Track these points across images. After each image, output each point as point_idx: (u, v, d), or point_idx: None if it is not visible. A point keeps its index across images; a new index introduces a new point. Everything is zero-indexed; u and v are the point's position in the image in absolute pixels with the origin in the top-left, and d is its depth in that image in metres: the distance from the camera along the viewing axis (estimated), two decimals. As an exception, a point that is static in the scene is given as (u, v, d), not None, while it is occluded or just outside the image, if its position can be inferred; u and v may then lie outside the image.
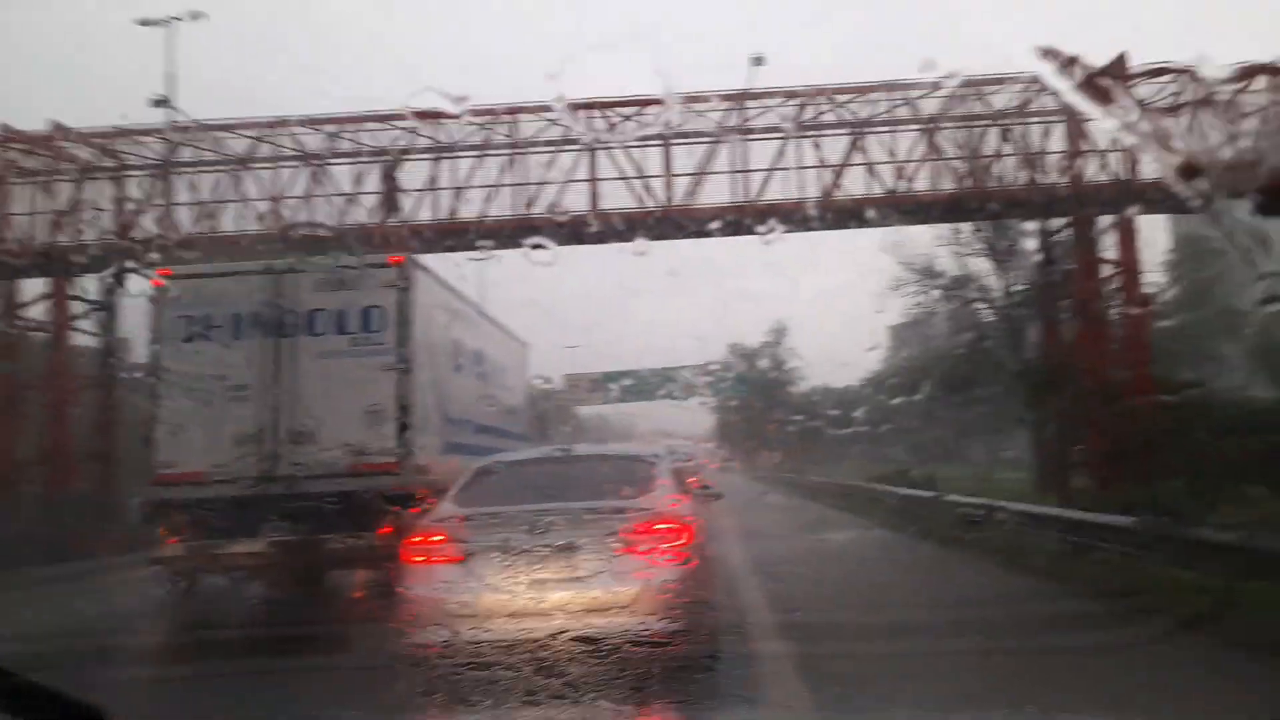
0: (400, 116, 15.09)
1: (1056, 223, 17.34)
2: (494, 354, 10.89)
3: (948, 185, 16.78)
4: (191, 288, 7.80)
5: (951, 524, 11.89)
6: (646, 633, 4.48)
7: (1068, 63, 12.28)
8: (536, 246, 12.72)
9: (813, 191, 16.82)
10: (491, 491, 5.53)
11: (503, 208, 16.14)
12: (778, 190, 16.99)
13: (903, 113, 16.09)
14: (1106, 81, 13.42)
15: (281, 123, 15.60)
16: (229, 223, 15.86)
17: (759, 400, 65.97)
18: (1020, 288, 20.84)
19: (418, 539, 5.07)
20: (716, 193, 16.30)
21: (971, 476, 25.19)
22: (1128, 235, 16.03)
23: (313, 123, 15.58)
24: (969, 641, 5.61)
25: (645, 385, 47.68)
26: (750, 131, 16.66)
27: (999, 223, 19.92)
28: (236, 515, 7.19)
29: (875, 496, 18.22)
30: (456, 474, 5.92)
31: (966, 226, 21.13)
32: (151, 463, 7.53)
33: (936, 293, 23.52)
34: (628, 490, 5.20)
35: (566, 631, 4.42)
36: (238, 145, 16.03)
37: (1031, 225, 18.63)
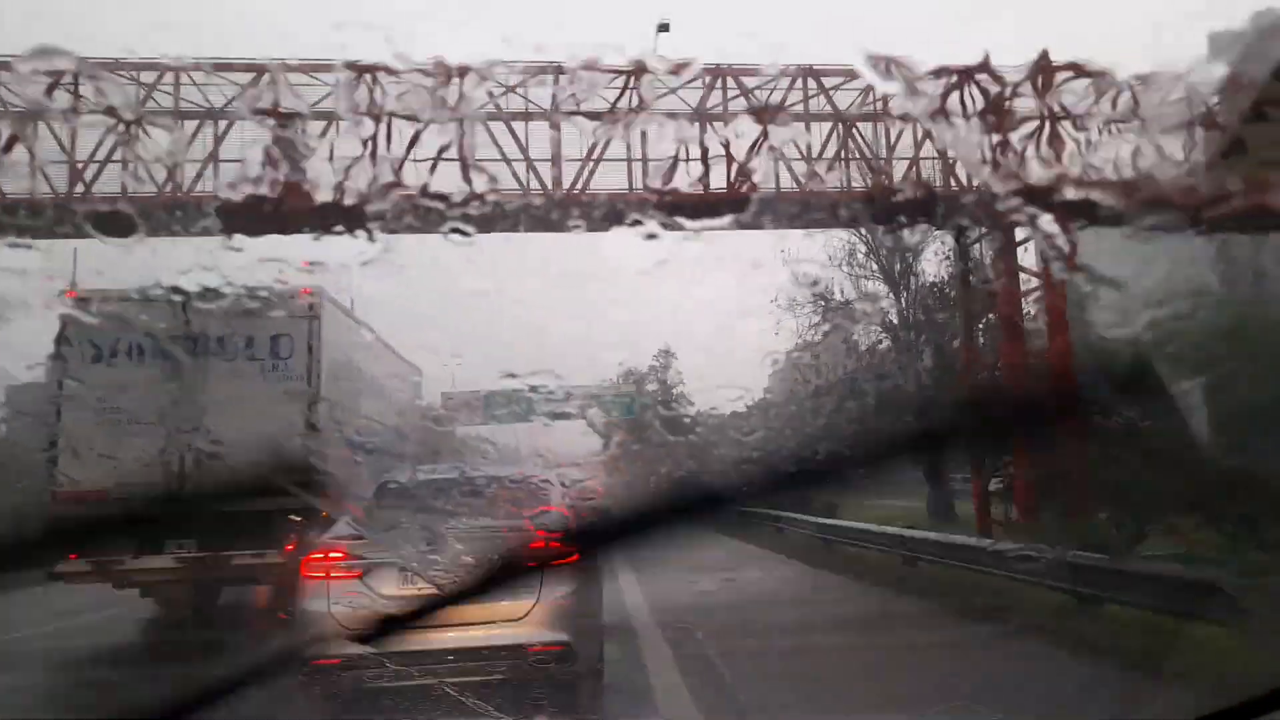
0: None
1: (971, 233, 20.22)
2: (390, 380, 13.45)
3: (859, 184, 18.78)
4: (100, 310, 10.06)
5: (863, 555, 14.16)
6: (542, 643, 5.89)
7: (887, 67, 14.71)
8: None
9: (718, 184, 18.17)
10: (389, 509, 7.13)
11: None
12: (679, 182, 18.85)
13: (815, 105, 18.54)
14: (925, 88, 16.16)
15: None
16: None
17: (647, 425, 72.20)
18: (918, 308, 25.48)
19: (317, 555, 6.39)
20: (610, 180, 18.13)
21: (855, 504, 27.90)
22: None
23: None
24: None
25: (530, 405, 51.08)
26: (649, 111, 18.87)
27: (895, 242, 24.14)
28: (142, 531, 9.54)
29: (782, 525, 20.81)
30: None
31: (862, 247, 26.10)
32: (53, 479, 9.75)
33: (829, 314, 27.47)
34: (522, 509, 6.74)
35: (464, 645, 5.73)
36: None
37: (928, 246, 23.32)
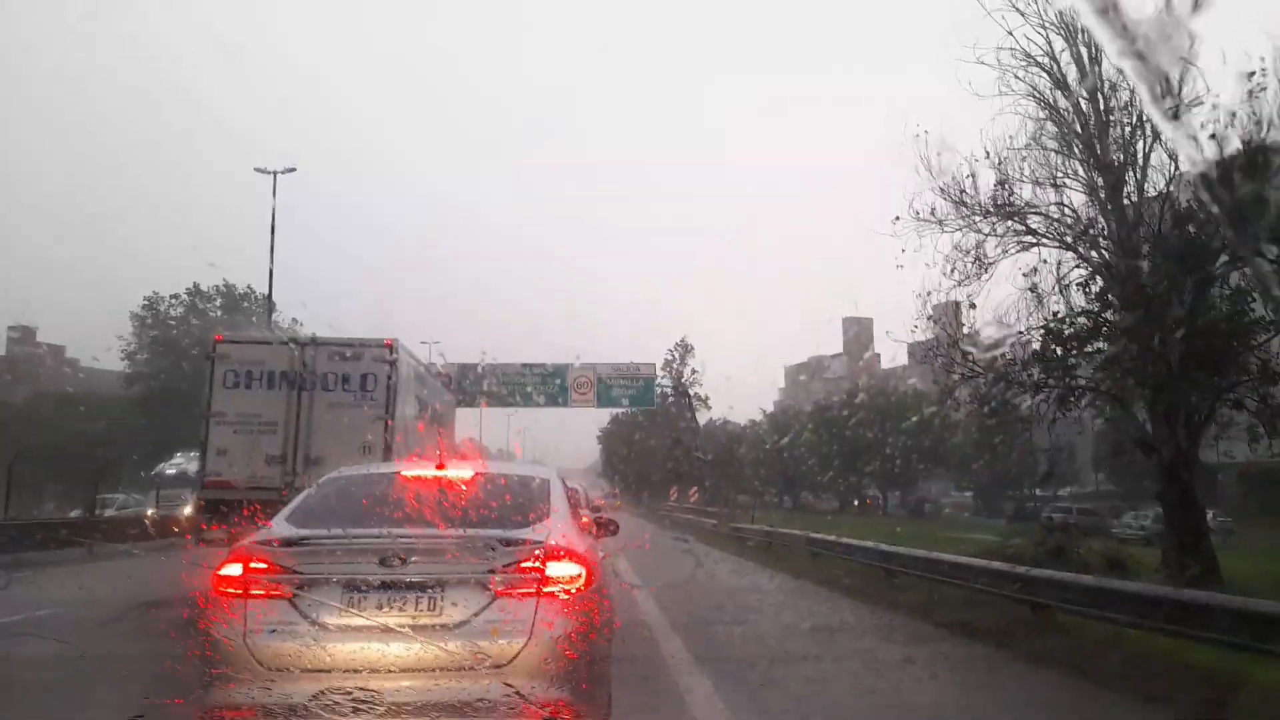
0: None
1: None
2: (439, 404, 17.33)
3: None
4: (237, 350, 13.86)
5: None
6: (533, 702, 4.54)
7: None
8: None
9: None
10: (337, 511, 5.74)
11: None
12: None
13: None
14: None
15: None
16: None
17: (660, 425, 71.22)
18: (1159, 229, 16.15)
19: (232, 566, 4.98)
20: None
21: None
22: None
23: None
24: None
25: (519, 384, 46.07)
26: None
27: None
28: (265, 513, 13.23)
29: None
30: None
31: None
32: (203, 473, 13.52)
33: (991, 230, 17.39)
34: (513, 516, 5.42)
35: (425, 699, 4.48)
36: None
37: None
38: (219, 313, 49.93)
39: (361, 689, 4.43)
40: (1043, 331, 16.83)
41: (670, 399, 69.16)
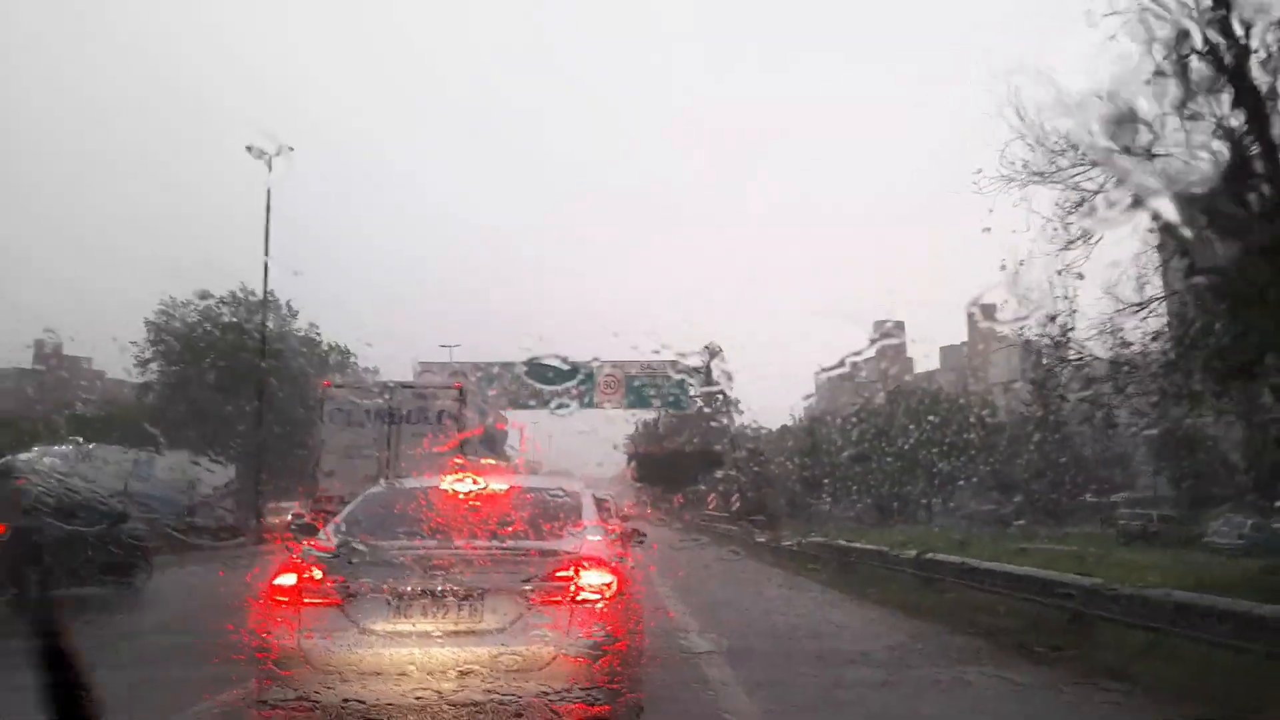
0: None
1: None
2: (496, 433, 21.09)
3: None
4: (340, 394, 17.66)
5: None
6: (568, 702, 4.92)
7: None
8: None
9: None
10: (382, 522, 6.09)
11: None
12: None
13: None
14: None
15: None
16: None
17: (691, 429, 70.92)
18: None
19: (286, 576, 5.42)
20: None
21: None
22: None
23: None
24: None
25: (539, 381, 38.11)
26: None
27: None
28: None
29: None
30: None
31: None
32: (315, 489, 17.31)
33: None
34: (547, 528, 5.86)
35: (460, 700, 4.90)
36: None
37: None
38: (232, 318, 48.37)
39: (406, 691, 4.95)
40: (1191, 295, 13.66)
41: (699, 404, 68.87)
